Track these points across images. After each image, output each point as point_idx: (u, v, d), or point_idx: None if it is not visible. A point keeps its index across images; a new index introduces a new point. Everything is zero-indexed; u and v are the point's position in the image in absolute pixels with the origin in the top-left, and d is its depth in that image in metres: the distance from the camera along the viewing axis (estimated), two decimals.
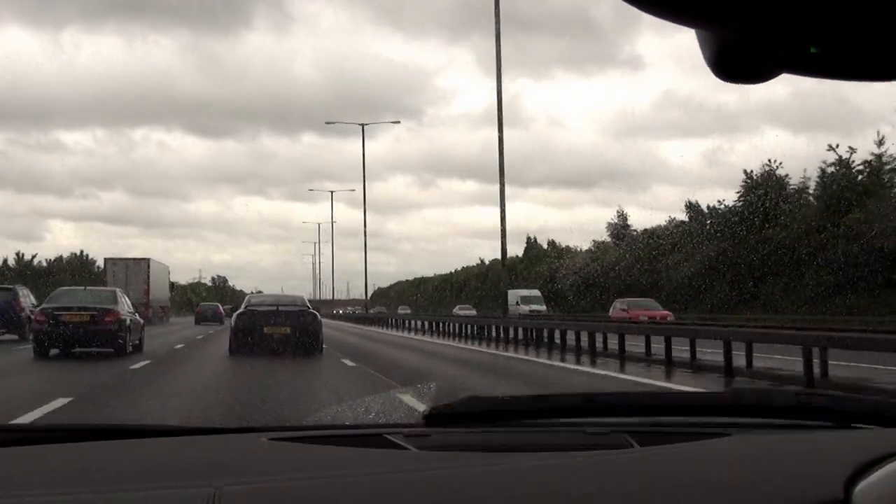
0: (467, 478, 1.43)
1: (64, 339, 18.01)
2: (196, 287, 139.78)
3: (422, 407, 2.77)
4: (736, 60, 0.77)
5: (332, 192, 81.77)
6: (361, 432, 1.89)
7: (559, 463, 1.53)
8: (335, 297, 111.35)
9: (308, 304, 20.45)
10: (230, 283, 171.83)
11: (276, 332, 18.75)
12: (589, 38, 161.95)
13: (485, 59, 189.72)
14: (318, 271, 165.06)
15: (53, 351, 18.06)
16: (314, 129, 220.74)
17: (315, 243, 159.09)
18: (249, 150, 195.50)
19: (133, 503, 1.30)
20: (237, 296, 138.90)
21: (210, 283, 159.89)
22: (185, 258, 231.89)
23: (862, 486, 1.25)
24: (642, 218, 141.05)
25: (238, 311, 19.89)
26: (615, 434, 1.75)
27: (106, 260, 58.95)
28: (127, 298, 20.63)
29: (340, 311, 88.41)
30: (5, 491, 1.34)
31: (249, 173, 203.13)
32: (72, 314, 18.38)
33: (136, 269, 56.27)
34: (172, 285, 71.08)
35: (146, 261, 57.14)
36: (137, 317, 20.91)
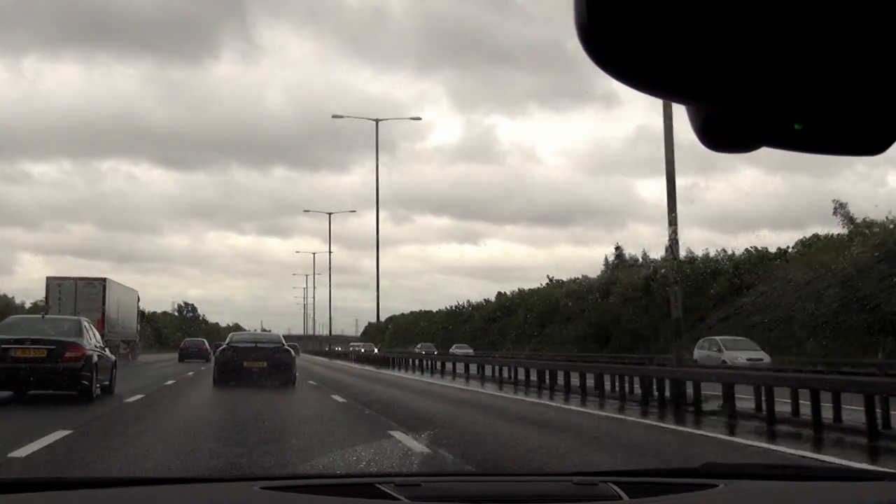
0: None
1: (15, 379, 14.97)
2: (160, 318, 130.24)
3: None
4: (722, 133, 0.83)
5: (329, 214, 79.81)
6: (352, 481, 2.01)
7: None
8: (328, 333, 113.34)
9: (283, 342, 23.76)
10: (201, 314, 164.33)
11: (255, 366, 21.78)
12: (563, 72, 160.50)
13: (457, 94, 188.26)
14: (312, 307, 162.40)
15: (4, 392, 15.31)
16: (285, 162, 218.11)
17: (307, 276, 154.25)
18: (220, 183, 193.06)
19: None
20: (211, 329, 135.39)
21: (177, 314, 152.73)
22: (158, 293, 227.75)
23: None
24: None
25: (221, 347, 23.40)
26: (603, 485, 1.77)
27: (48, 280, 44.57)
28: (94, 330, 17.91)
29: (361, 349, 78.17)
30: None
31: (221, 207, 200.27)
32: (25, 349, 15.12)
33: (88, 293, 43.25)
34: (143, 316, 59.97)
35: (101, 281, 44.30)
36: (108, 352, 18.21)
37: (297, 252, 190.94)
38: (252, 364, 21.81)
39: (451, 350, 61.25)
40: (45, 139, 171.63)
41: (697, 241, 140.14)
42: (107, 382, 17.20)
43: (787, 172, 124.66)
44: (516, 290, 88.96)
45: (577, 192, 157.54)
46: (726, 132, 0.83)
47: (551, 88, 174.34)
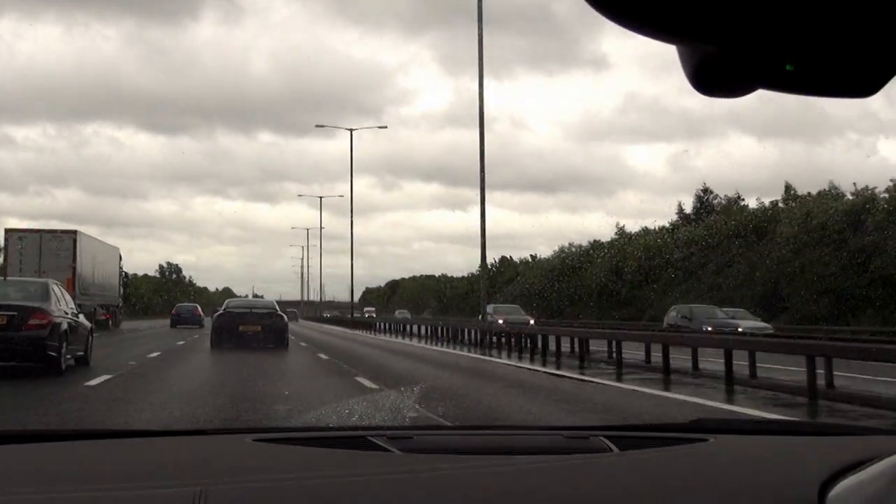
0: (449, 479, 1.52)
1: None
2: (139, 282, 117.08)
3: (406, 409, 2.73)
4: (714, 75, 0.84)
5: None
6: (345, 434, 2.02)
7: (540, 466, 1.61)
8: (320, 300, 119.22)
9: (277, 308, 25.39)
10: (186, 276, 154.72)
11: (249, 330, 23.31)
12: (551, 35, 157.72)
13: (445, 57, 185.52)
14: (306, 275, 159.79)
15: None
16: (270, 127, 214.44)
17: (303, 247, 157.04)
18: (205, 148, 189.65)
19: (119, 502, 1.38)
20: (198, 293, 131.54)
21: (159, 276, 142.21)
22: (146, 258, 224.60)
23: (836, 490, 1.34)
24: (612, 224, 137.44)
25: (218, 313, 25.16)
26: (594, 438, 1.83)
27: (7, 233, 37.92)
28: (65, 293, 16.31)
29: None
30: None
31: (207, 172, 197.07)
32: None
33: (55, 248, 36.40)
34: (125, 279, 54.90)
35: (71, 235, 37.21)
36: (83, 318, 16.66)
37: (293, 228, 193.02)
38: (247, 328, 23.34)
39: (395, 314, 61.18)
40: (26, 102, 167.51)
41: (688, 208, 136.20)
42: (81, 353, 15.75)
43: (778, 140, 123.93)
44: (571, 244, 75.88)
45: (565, 159, 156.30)
46: (718, 74, 0.83)
47: (540, 51, 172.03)
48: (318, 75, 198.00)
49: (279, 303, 27.13)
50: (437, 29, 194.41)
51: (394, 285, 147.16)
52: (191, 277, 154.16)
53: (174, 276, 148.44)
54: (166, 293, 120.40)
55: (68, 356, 14.51)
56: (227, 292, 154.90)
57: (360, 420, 3.81)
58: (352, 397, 7.69)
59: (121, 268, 49.20)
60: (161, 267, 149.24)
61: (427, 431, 1.92)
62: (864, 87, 0.83)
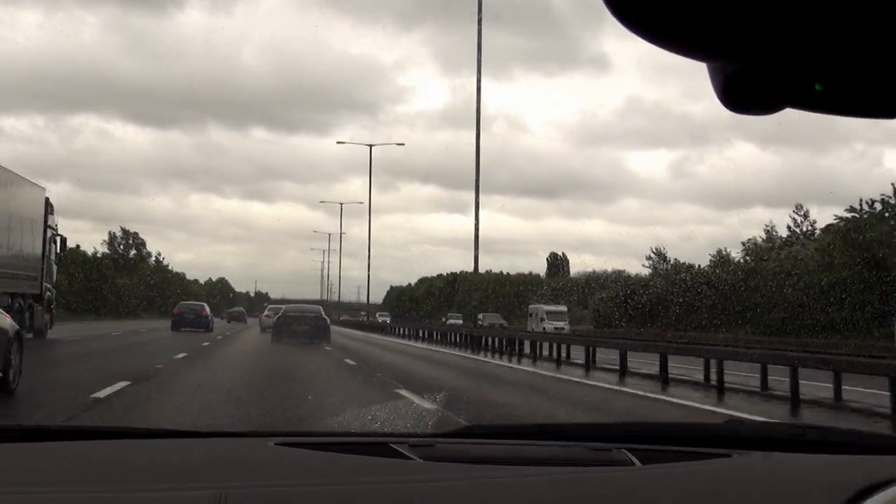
0: (470, 488, 1.55)
1: None
2: (95, 263, 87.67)
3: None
4: (743, 93, 0.87)
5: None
6: (367, 440, 2.03)
7: (562, 477, 1.65)
8: (340, 300, 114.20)
9: (322, 312, 35.46)
10: (153, 253, 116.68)
11: (300, 329, 32.44)
12: (550, 33, 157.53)
13: (442, 55, 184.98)
14: (327, 278, 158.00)
15: None
16: (263, 123, 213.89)
17: (324, 251, 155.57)
18: (198, 144, 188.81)
19: (141, 503, 1.42)
20: (181, 283, 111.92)
21: (107, 251, 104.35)
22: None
23: None
24: (614, 232, 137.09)
25: (278, 315, 34.94)
26: (617, 451, 1.87)
27: None
28: None
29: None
30: (18, 485, 1.47)
31: (201, 169, 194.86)
32: None
33: None
34: (59, 252, 29.95)
35: None
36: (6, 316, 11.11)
37: (315, 231, 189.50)
38: (298, 328, 32.58)
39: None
40: (7, 91, 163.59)
41: (689, 216, 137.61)
42: None
43: (781, 147, 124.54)
44: (740, 255, 65.58)
45: (566, 164, 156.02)
46: (747, 92, 0.86)
47: (539, 51, 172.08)
48: (311, 70, 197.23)
49: (289, 301, 34.39)
50: (433, 25, 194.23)
51: (422, 284, 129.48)
52: (163, 259, 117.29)
53: (132, 250, 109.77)
54: (118, 272, 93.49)
55: None
56: (223, 284, 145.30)
57: (383, 426, 3.74)
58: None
59: (51, 231, 28.40)
60: (111, 235, 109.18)
61: (449, 439, 1.96)
62: (893, 108, 0.86)
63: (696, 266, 67.16)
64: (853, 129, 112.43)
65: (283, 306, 39.32)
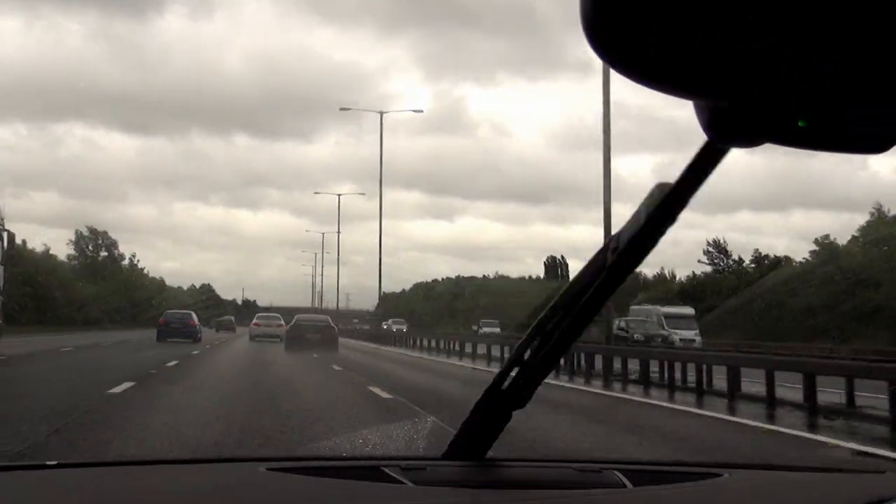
0: None
1: None
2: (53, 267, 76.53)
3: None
4: (728, 128, 0.90)
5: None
6: (358, 464, 2.05)
7: (551, 500, 1.66)
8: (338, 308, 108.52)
9: (330, 321, 39.41)
10: (126, 255, 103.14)
11: (312, 337, 35.27)
12: (534, 37, 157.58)
13: (425, 60, 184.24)
14: (320, 284, 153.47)
15: None
16: (247, 130, 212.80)
17: (315, 254, 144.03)
18: (182, 151, 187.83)
19: None
20: (170, 294, 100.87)
21: (73, 252, 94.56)
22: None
23: None
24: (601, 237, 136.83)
25: (291, 325, 38.50)
26: (607, 472, 1.88)
27: None
28: None
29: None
30: None
31: (186, 177, 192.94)
32: None
33: None
34: (10, 247, 24.36)
35: None
36: None
37: (307, 231, 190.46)
38: (310, 336, 35.45)
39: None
40: None
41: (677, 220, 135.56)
42: None
43: (766, 151, 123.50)
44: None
45: (551, 169, 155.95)
46: (731, 127, 0.89)
47: (523, 55, 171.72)
48: (295, 77, 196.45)
49: (277, 309, 34.95)
50: (415, 31, 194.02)
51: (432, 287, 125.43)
52: (133, 257, 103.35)
53: (103, 252, 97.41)
54: (84, 278, 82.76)
55: None
56: (208, 291, 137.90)
57: (374, 449, 3.78)
58: None
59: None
60: (78, 235, 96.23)
61: (441, 462, 1.96)
62: (877, 143, 0.87)
63: (782, 259, 60.85)
64: None
65: (274, 314, 47.52)
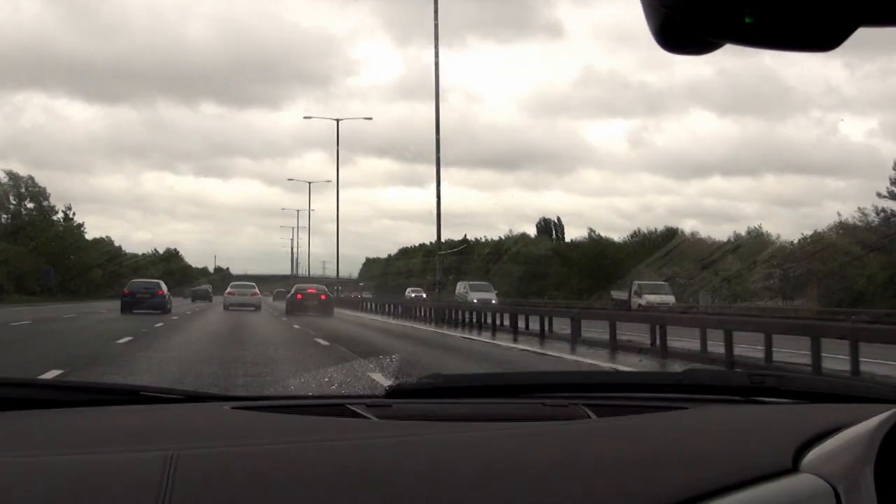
0: (427, 446, 1.57)
1: None
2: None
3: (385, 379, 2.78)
4: (678, 31, 0.88)
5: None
6: (324, 402, 2.04)
7: (517, 432, 1.68)
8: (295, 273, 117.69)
9: (327, 290, 45.55)
10: (59, 208, 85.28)
11: (310, 304, 41.29)
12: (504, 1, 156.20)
13: (394, 25, 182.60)
14: (296, 254, 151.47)
15: None
16: (214, 98, 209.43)
17: (293, 228, 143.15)
18: (148, 120, 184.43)
19: (90, 466, 1.40)
20: (122, 260, 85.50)
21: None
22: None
23: (809, 456, 1.40)
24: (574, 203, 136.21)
25: (291, 292, 45.51)
26: (573, 406, 1.91)
27: None
28: None
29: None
30: None
31: (153, 146, 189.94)
32: None
33: None
34: None
35: None
36: None
37: (283, 209, 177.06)
38: (308, 302, 41.32)
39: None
40: None
41: (648, 186, 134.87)
42: None
43: (739, 116, 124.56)
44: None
45: (523, 135, 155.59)
46: (681, 30, 0.87)
47: (492, 17, 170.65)
48: (261, 43, 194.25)
49: (253, 277, 36.77)
50: None
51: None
52: (68, 210, 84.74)
53: (24, 201, 79.85)
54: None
55: None
56: (175, 259, 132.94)
57: (340, 389, 3.82)
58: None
59: None
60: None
61: (407, 400, 1.97)
62: (826, 40, 0.86)
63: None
64: (810, 96, 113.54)
65: (248, 283, 52.08)
